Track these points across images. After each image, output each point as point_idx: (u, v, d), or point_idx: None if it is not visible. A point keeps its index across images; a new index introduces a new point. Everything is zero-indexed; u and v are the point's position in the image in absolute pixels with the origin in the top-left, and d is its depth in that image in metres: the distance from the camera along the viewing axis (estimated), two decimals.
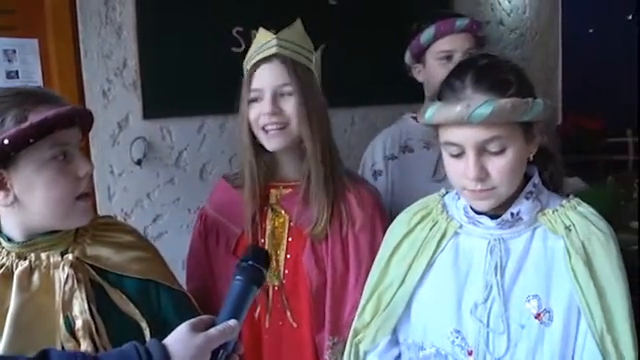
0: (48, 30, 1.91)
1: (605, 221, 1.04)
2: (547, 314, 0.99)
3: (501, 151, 0.96)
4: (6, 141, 0.91)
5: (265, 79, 1.28)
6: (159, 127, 2.15)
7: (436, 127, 1.02)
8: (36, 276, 1.00)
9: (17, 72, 1.87)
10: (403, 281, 1.09)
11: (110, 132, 2.05)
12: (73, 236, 1.05)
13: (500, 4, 3.47)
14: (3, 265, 0.99)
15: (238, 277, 0.90)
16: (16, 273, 0.98)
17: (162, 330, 0.86)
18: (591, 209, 1.05)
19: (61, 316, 0.98)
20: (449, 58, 1.67)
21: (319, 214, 1.28)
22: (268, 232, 1.35)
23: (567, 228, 1.01)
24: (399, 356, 1.14)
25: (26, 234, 1.01)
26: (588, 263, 0.98)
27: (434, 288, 1.08)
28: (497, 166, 0.97)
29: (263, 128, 1.29)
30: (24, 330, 0.95)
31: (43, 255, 1.01)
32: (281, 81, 1.27)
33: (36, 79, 1.90)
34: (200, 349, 0.81)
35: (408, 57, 1.78)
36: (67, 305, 0.99)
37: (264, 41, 1.31)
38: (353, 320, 1.18)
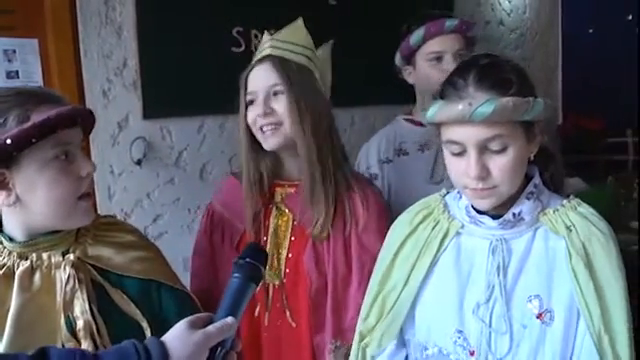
0: (48, 30, 1.91)
1: (605, 222, 1.04)
2: (548, 314, 0.99)
3: (502, 150, 0.97)
4: (9, 141, 0.91)
5: (258, 81, 1.30)
6: (159, 127, 2.15)
7: (438, 126, 1.02)
8: (37, 276, 0.99)
9: (17, 72, 1.87)
10: (407, 282, 1.09)
11: (110, 132, 2.05)
12: (74, 236, 1.05)
13: (500, 4, 3.47)
14: (4, 265, 0.99)
15: (236, 274, 0.90)
16: (17, 273, 0.98)
17: (163, 330, 0.86)
18: (591, 209, 1.05)
19: (62, 316, 0.98)
20: (439, 59, 1.67)
21: (319, 214, 1.28)
22: (271, 230, 1.35)
23: (568, 228, 1.01)
24: (407, 358, 1.13)
25: (28, 234, 1.01)
26: (588, 263, 0.98)
27: (437, 288, 1.07)
28: (498, 165, 0.97)
29: (260, 129, 1.30)
30: (25, 330, 0.95)
31: (44, 255, 1.01)
32: (272, 81, 1.28)
33: (36, 79, 1.90)
34: (198, 346, 0.81)
35: (398, 59, 1.78)
36: (68, 305, 0.99)
37: (262, 44, 1.33)
38: (356, 324, 1.17)
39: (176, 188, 2.20)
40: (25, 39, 1.88)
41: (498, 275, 1.01)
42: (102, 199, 2.03)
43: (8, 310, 0.96)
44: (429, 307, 1.08)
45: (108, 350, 0.87)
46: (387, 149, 1.77)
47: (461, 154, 0.99)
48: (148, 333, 1.01)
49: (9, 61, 1.86)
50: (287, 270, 1.32)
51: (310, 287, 1.28)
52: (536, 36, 3.74)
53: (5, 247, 1.01)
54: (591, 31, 4.35)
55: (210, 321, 0.85)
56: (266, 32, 1.37)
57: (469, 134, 0.96)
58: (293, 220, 1.33)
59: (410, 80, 1.76)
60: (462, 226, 1.07)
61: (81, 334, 0.98)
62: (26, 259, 1.00)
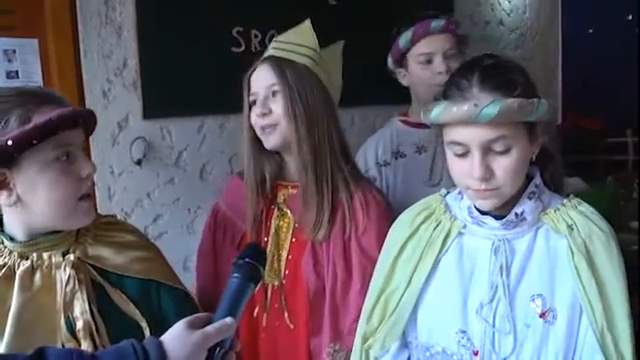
0: (48, 30, 1.91)
1: (605, 220, 1.04)
2: (551, 313, 0.99)
3: (506, 151, 0.97)
4: (10, 142, 0.91)
5: (258, 81, 1.31)
6: (159, 127, 2.15)
7: (440, 126, 1.02)
8: (38, 276, 1.00)
9: (17, 72, 1.87)
10: (409, 283, 1.08)
11: (110, 132, 2.05)
12: (75, 236, 1.05)
13: (500, 4, 3.47)
14: (5, 265, 0.99)
15: (235, 275, 0.90)
16: (18, 273, 0.98)
17: (163, 330, 0.86)
18: (591, 208, 1.05)
19: (62, 316, 0.98)
20: (429, 61, 1.68)
21: (316, 216, 1.27)
22: (272, 231, 1.35)
23: (569, 227, 1.01)
24: (409, 359, 1.13)
25: (28, 234, 1.01)
26: (590, 261, 0.99)
27: (439, 289, 1.07)
28: (502, 165, 0.97)
29: (261, 128, 1.30)
30: (25, 330, 0.95)
31: (45, 255, 1.01)
32: (270, 82, 1.28)
33: (36, 79, 1.90)
34: (197, 346, 0.81)
35: (390, 62, 1.78)
36: (68, 306, 0.99)
37: (269, 45, 1.35)
38: (357, 327, 1.17)
39: (176, 188, 2.20)
40: (25, 39, 1.88)
41: (501, 275, 1.01)
42: (102, 199, 2.03)
43: (9, 309, 0.96)
44: (432, 307, 1.08)
45: (106, 350, 0.87)
46: (385, 152, 1.76)
47: (464, 155, 0.98)
48: (147, 333, 1.01)
49: (9, 61, 1.86)
50: (287, 271, 1.32)
51: (308, 290, 1.28)
52: (536, 36, 3.74)
53: (6, 247, 1.02)
54: (591, 31, 4.35)
55: (209, 321, 0.85)
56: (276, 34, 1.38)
57: (473, 135, 0.95)
58: (295, 221, 1.33)
59: (404, 82, 1.76)
60: (464, 226, 1.07)
61: (81, 334, 0.98)
62: (27, 259, 1.00)
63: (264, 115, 1.28)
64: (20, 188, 0.96)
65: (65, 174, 0.97)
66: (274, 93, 1.28)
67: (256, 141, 1.33)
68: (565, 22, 3.98)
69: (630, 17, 4.27)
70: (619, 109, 3.88)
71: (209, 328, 0.83)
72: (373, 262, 1.18)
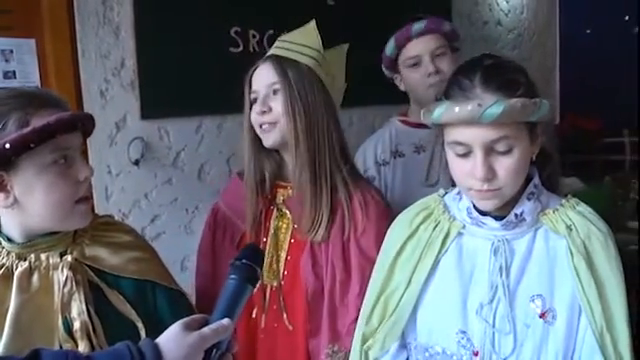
0: (45, 30, 1.90)
1: (603, 221, 1.05)
2: (551, 313, 1.00)
3: (508, 151, 0.96)
4: (7, 145, 0.91)
5: (259, 80, 1.31)
6: (157, 127, 2.15)
7: (441, 126, 1.02)
8: (35, 277, 1.00)
9: (14, 72, 1.86)
10: (409, 283, 1.08)
11: (108, 132, 2.04)
12: (72, 237, 1.05)
13: (498, 4, 3.48)
14: (3, 265, 1.00)
15: (232, 276, 0.90)
16: (16, 274, 0.99)
17: (158, 330, 0.86)
18: (589, 209, 1.06)
19: (60, 317, 0.99)
20: (417, 64, 1.69)
21: (315, 216, 1.27)
22: (271, 231, 1.35)
23: (568, 227, 1.01)
24: (408, 359, 1.13)
25: (26, 235, 1.01)
26: (589, 262, 0.99)
27: (439, 289, 1.07)
28: (504, 166, 0.97)
29: (260, 126, 1.30)
30: (23, 330, 0.96)
31: (43, 256, 1.01)
32: (271, 80, 1.29)
33: (33, 79, 1.89)
34: (193, 348, 0.81)
35: (385, 70, 1.80)
36: (66, 306, 0.99)
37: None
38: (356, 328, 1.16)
39: (174, 188, 2.20)
40: (22, 39, 1.87)
41: (501, 275, 1.01)
42: (99, 199, 2.03)
43: (7, 310, 0.96)
44: (432, 308, 1.07)
45: (102, 352, 0.88)
46: (383, 151, 1.77)
47: (466, 155, 0.98)
48: (143, 333, 1.02)
49: (6, 61, 1.85)
50: (285, 272, 1.32)
51: (307, 291, 1.28)
52: (534, 36, 3.75)
53: (4, 248, 1.02)
54: (588, 31, 4.36)
55: (206, 323, 0.85)
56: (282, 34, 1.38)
57: (476, 135, 0.95)
58: (293, 222, 1.33)
59: (401, 87, 1.78)
60: (463, 227, 1.07)
61: (78, 334, 0.98)
62: (25, 260, 1.00)
63: (264, 113, 1.28)
64: (17, 190, 0.96)
65: (62, 177, 0.98)
66: (275, 91, 1.28)
67: (256, 141, 1.33)
68: (562, 22, 3.99)
69: (627, 17, 4.28)
70: (616, 109, 3.89)
71: (206, 330, 0.83)
72: (372, 263, 1.18)
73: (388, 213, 1.30)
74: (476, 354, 1.02)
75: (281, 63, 1.29)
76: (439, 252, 1.07)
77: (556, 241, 1.02)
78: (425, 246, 1.08)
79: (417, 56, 1.69)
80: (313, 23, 1.35)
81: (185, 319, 0.85)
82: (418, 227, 1.11)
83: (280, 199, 1.35)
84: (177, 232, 2.19)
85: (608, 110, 3.95)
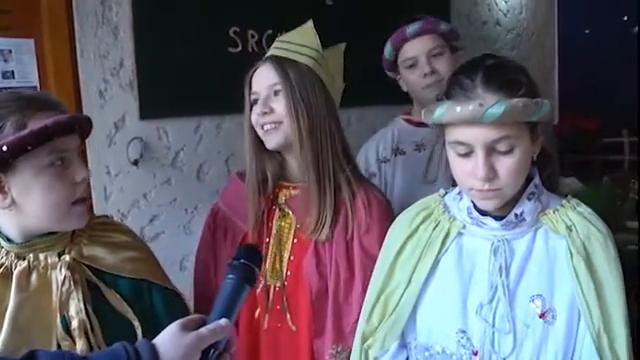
0: (44, 30, 1.90)
1: (603, 221, 1.05)
2: (551, 313, 1.00)
3: (510, 150, 0.97)
4: (4, 148, 0.92)
5: (260, 81, 1.30)
6: (156, 127, 2.15)
7: (442, 126, 1.02)
8: (34, 276, 1.01)
9: (13, 72, 1.86)
10: (409, 283, 1.08)
11: (107, 132, 2.04)
12: (70, 237, 1.06)
13: (497, 4, 3.48)
14: (2, 265, 1.01)
15: (230, 275, 0.89)
16: (15, 273, 1.00)
17: (154, 329, 0.86)
18: (589, 209, 1.06)
19: (58, 316, 0.99)
20: (414, 65, 1.71)
21: (319, 216, 1.27)
22: (274, 232, 1.34)
23: (568, 228, 1.02)
24: (408, 359, 1.13)
25: (24, 235, 1.02)
26: (588, 262, 0.99)
27: (439, 289, 1.07)
28: (505, 165, 0.97)
29: (262, 127, 1.30)
30: (22, 329, 0.97)
31: (41, 256, 1.02)
32: (272, 81, 1.28)
33: (32, 79, 1.89)
34: (190, 348, 0.81)
35: (387, 71, 1.82)
36: (64, 305, 1.00)
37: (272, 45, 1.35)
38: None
39: (173, 188, 2.19)
40: (21, 39, 1.87)
41: (501, 275, 1.01)
42: (98, 200, 2.03)
43: (6, 309, 0.97)
44: (431, 308, 1.08)
45: (98, 353, 0.88)
46: (385, 148, 1.80)
47: (467, 155, 0.98)
48: (139, 332, 1.03)
49: (5, 61, 1.85)
50: (288, 272, 1.31)
51: (311, 291, 1.27)
52: (532, 36, 3.75)
53: (3, 247, 1.03)
54: (587, 32, 4.36)
55: (203, 323, 0.85)
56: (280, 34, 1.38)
57: (477, 135, 0.95)
58: (297, 222, 1.32)
59: (404, 88, 1.80)
60: (463, 227, 1.07)
61: (76, 333, 0.99)
62: (24, 259, 1.01)
63: (265, 114, 1.28)
64: (15, 192, 0.97)
65: (59, 179, 0.99)
66: (276, 92, 1.28)
67: (257, 141, 1.33)
68: (561, 22, 4.00)
69: (626, 18, 4.28)
70: (615, 109, 3.89)
71: (203, 330, 0.83)
72: (375, 262, 1.18)
73: (390, 213, 1.30)
74: (476, 354, 1.02)
75: (281, 64, 1.28)
76: (439, 252, 1.07)
77: (556, 241, 1.02)
78: (425, 246, 1.08)
79: (413, 57, 1.70)
80: (310, 23, 1.35)
81: (182, 319, 0.85)
82: (418, 227, 1.11)
83: (282, 199, 1.35)
84: (176, 232, 2.19)
85: (607, 110, 3.96)
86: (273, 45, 1.35)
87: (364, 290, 1.20)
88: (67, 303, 1.00)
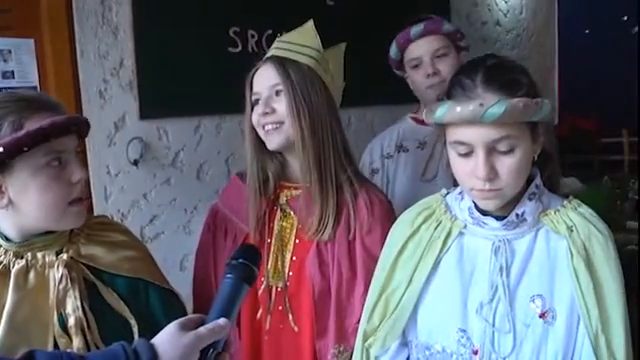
0: (44, 30, 1.90)
1: (604, 222, 1.05)
2: (551, 313, 1.00)
3: (510, 150, 0.97)
4: (1, 148, 0.93)
5: (261, 81, 1.30)
6: (156, 127, 2.15)
7: (443, 126, 1.02)
8: (32, 275, 1.02)
9: (13, 72, 1.86)
10: (410, 282, 1.08)
11: (107, 132, 2.04)
12: (68, 236, 1.07)
13: (497, 5, 3.48)
14: (1, 263, 1.01)
15: (229, 275, 0.89)
16: (13, 272, 1.00)
17: (151, 328, 0.87)
18: (590, 210, 1.06)
19: (55, 313, 1.00)
20: (418, 65, 1.72)
21: (321, 216, 1.27)
22: (275, 232, 1.34)
23: (569, 228, 1.02)
24: (409, 358, 1.13)
25: (22, 235, 1.03)
26: (588, 263, 0.99)
27: (440, 288, 1.07)
28: (506, 165, 0.97)
29: (263, 128, 1.30)
30: (19, 327, 0.97)
31: (39, 255, 1.03)
32: (273, 81, 1.28)
33: (32, 79, 1.89)
34: (189, 348, 0.81)
35: (395, 70, 1.84)
36: (61, 303, 1.01)
37: (272, 45, 1.35)
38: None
39: (173, 188, 2.20)
40: (21, 39, 1.87)
41: (501, 275, 1.01)
42: (98, 199, 2.03)
43: (3, 307, 0.98)
44: (432, 307, 1.08)
45: (96, 353, 0.89)
46: (390, 145, 1.83)
47: (468, 155, 0.98)
48: (135, 330, 1.03)
49: (5, 61, 1.85)
50: (290, 273, 1.31)
51: (313, 291, 1.27)
52: (532, 36, 3.75)
53: (1, 246, 1.03)
54: (587, 32, 4.37)
55: (202, 322, 0.85)
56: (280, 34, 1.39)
57: (477, 135, 0.95)
58: (298, 222, 1.32)
59: (412, 86, 1.81)
60: (465, 226, 1.07)
61: (72, 330, 1.00)
62: (22, 258, 1.02)
63: (266, 114, 1.28)
64: (12, 192, 0.98)
65: (56, 179, 0.99)
66: (277, 93, 1.27)
67: (258, 142, 1.32)
68: (561, 23, 4.00)
69: (626, 18, 4.28)
70: (615, 109, 3.90)
71: (202, 329, 0.83)
72: (377, 261, 1.18)
73: (392, 213, 1.30)
74: (476, 353, 1.02)
75: (283, 64, 1.28)
76: (440, 251, 1.07)
77: (557, 242, 1.02)
78: (427, 245, 1.09)
79: (418, 57, 1.72)
80: (311, 22, 1.35)
81: (181, 319, 0.85)
82: (420, 227, 1.11)
83: (284, 199, 1.35)
84: (176, 232, 2.19)
85: (606, 110, 3.96)
86: (274, 45, 1.35)
87: (366, 290, 1.19)
88: (64, 301, 1.01)
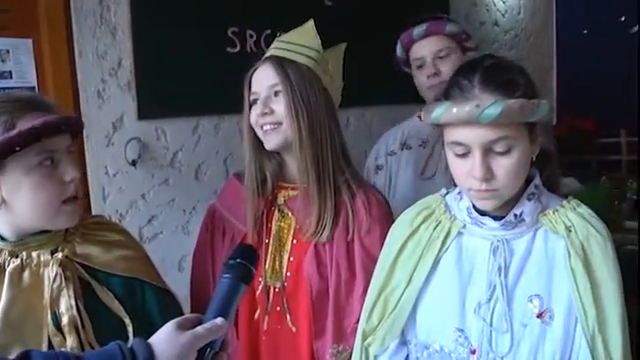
0: (42, 30, 1.90)
1: (603, 223, 1.05)
2: (548, 313, 1.00)
3: (507, 151, 0.97)
4: None
5: (260, 81, 1.30)
6: (154, 127, 2.14)
7: (441, 127, 1.02)
8: (26, 274, 1.02)
9: (11, 72, 1.86)
10: (409, 282, 1.09)
11: (105, 133, 2.04)
12: (63, 235, 1.07)
13: (495, 5, 3.48)
14: None
15: (226, 275, 0.89)
16: (8, 270, 1.01)
17: (147, 327, 0.87)
18: (589, 210, 1.06)
19: (49, 312, 1.01)
20: (422, 65, 1.74)
21: (319, 217, 1.26)
22: (273, 233, 1.34)
23: (568, 229, 1.02)
24: (408, 357, 1.13)
25: (16, 234, 1.03)
26: (586, 263, 0.99)
27: (438, 287, 1.08)
28: (503, 166, 0.97)
29: (261, 128, 1.30)
30: (13, 325, 0.98)
31: (34, 254, 1.03)
32: (272, 81, 1.28)
33: (30, 80, 1.89)
34: (186, 347, 0.81)
35: (403, 67, 1.86)
36: (54, 302, 1.01)
37: (271, 45, 1.35)
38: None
39: (171, 189, 2.19)
40: (19, 39, 1.87)
41: (499, 275, 1.01)
42: (96, 200, 2.02)
43: None
44: (431, 306, 1.08)
45: (92, 352, 0.89)
46: (394, 142, 1.86)
47: (465, 155, 0.98)
48: (130, 329, 1.03)
49: (2, 61, 1.84)
50: (288, 273, 1.31)
51: (311, 292, 1.27)
52: (530, 37, 3.76)
53: None
54: (585, 32, 4.37)
55: (199, 322, 0.85)
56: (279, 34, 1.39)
57: (474, 135, 0.95)
58: (296, 223, 1.32)
59: (417, 86, 1.83)
60: (463, 226, 1.07)
61: (66, 329, 1.00)
62: (16, 257, 1.03)
63: (265, 114, 1.27)
64: (5, 191, 0.98)
65: (48, 178, 1.00)
66: (276, 93, 1.27)
67: (257, 142, 1.32)
68: (559, 23, 4.01)
69: (624, 18, 4.29)
70: (613, 109, 3.91)
71: (199, 329, 0.83)
72: (376, 262, 1.18)
73: (390, 213, 1.30)
74: (473, 352, 1.02)
75: (282, 64, 1.28)
76: (439, 251, 1.07)
77: (555, 242, 1.03)
78: (426, 245, 1.09)
79: (421, 58, 1.74)
80: (311, 22, 1.35)
81: (178, 319, 0.85)
82: (419, 226, 1.11)
83: (281, 200, 1.35)
84: (174, 232, 2.19)
85: (605, 110, 3.97)
86: (273, 45, 1.35)
87: (365, 290, 1.20)
88: (58, 300, 1.01)
